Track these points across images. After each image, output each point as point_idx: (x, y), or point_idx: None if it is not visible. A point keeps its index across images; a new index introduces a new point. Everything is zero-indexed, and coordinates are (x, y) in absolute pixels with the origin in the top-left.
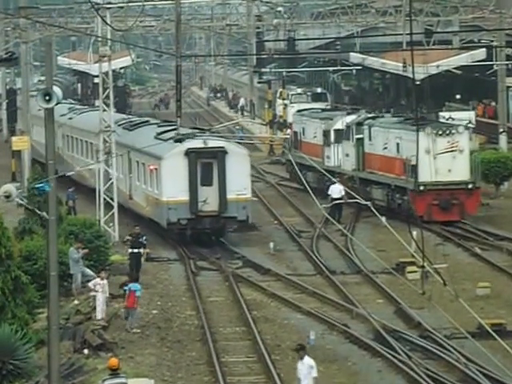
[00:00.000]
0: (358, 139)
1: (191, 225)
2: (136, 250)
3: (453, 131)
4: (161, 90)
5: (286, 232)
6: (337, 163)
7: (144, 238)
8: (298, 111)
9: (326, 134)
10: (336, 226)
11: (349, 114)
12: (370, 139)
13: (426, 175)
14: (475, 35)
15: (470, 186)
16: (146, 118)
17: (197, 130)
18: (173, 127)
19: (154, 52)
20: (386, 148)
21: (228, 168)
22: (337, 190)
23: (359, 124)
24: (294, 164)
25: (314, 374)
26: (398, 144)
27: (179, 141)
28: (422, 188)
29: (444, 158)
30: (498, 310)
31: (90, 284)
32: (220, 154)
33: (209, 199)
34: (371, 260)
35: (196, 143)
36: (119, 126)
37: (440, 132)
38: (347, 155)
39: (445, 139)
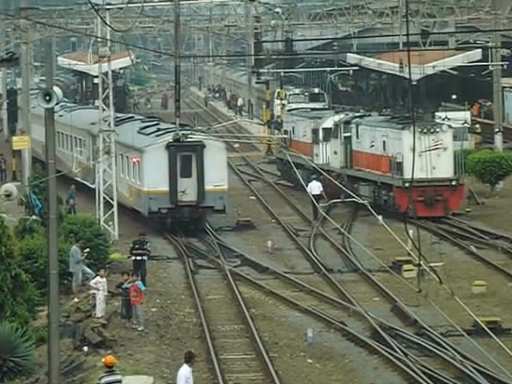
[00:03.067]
0: (345, 137)
1: (171, 214)
2: (140, 258)
3: (437, 130)
4: (160, 90)
5: (284, 231)
6: (325, 161)
7: (148, 244)
8: (289, 110)
9: (314, 132)
10: (333, 224)
11: (337, 112)
12: (357, 137)
13: (411, 172)
14: (471, 36)
15: (453, 183)
16: (131, 115)
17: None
18: (155, 122)
19: (153, 52)
20: (372, 146)
21: (206, 161)
22: (316, 187)
23: (347, 122)
24: (292, 163)
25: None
26: (384, 142)
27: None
28: (407, 184)
29: (428, 155)
30: (494, 307)
31: (92, 283)
32: (198, 148)
33: (188, 190)
34: (368, 258)
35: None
36: (105, 121)
37: (425, 130)
38: (335, 153)
39: (429, 137)
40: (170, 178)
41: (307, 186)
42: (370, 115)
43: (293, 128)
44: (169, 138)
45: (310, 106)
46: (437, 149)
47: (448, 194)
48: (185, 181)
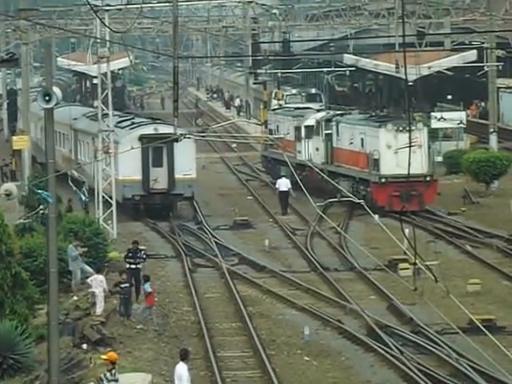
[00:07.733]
0: (326, 135)
1: (144, 200)
2: (134, 266)
3: (412, 128)
4: (158, 90)
5: (281, 230)
6: (307, 157)
7: (143, 252)
8: (273, 110)
9: (297, 130)
10: (329, 223)
11: (318, 111)
12: (337, 135)
13: (387, 168)
14: (466, 37)
15: (427, 179)
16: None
17: (150, 120)
18: (130, 117)
19: (151, 53)
20: (351, 143)
21: (176, 152)
22: (284, 184)
23: (328, 120)
24: (289, 162)
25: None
26: (362, 139)
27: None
28: (383, 180)
29: (404, 152)
30: (488, 306)
31: (89, 280)
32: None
33: (159, 178)
34: (364, 257)
35: (148, 130)
36: (87, 117)
37: (400, 128)
38: (317, 149)
39: (405, 135)
40: (143, 167)
41: (275, 183)
42: (350, 113)
43: (277, 127)
44: (141, 130)
45: (306, 106)
46: (412, 146)
47: (423, 189)
48: (156, 170)
